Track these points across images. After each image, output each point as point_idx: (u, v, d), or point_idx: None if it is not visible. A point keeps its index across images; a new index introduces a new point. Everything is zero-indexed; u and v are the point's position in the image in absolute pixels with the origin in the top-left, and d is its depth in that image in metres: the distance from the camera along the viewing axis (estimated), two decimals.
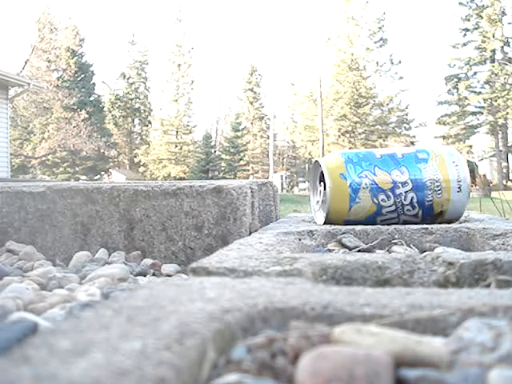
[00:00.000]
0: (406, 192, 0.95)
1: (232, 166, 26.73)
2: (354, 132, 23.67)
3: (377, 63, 24.05)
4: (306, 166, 28.97)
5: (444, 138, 24.84)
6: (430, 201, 0.96)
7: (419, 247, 0.81)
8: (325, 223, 0.97)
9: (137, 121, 29.25)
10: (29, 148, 23.32)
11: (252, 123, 28.67)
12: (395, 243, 0.82)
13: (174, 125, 26.89)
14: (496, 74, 22.39)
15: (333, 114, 23.27)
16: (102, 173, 25.66)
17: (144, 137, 29.13)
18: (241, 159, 27.12)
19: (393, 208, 0.95)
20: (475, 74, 23.83)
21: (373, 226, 0.86)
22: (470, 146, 25.16)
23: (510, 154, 23.48)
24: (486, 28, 22.86)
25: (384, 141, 24.75)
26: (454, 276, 0.46)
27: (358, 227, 0.86)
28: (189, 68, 27.21)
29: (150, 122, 28.93)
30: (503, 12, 22.43)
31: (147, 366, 0.19)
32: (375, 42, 23.90)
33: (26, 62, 22.66)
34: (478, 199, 2.06)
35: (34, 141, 23.38)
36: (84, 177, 23.84)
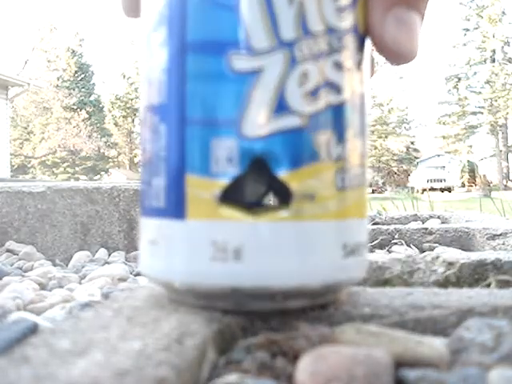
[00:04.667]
0: None
1: None
2: None
3: (377, 63, 24.06)
4: None
5: (444, 137, 24.87)
6: None
7: (419, 247, 0.81)
8: None
9: (137, 121, 29.27)
10: (29, 148, 23.34)
11: None
12: (395, 243, 0.82)
13: None
14: (496, 74, 22.41)
15: None
16: (102, 173, 25.67)
17: None
18: None
19: None
20: (475, 73, 23.85)
21: (373, 226, 0.86)
22: (470, 146, 25.18)
23: (510, 154, 23.49)
24: (486, 28, 22.88)
25: (384, 141, 24.78)
26: (454, 276, 0.46)
27: None
28: None
29: None
30: (503, 12, 22.45)
31: (147, 366, 0.19)
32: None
33: (26, 62, 22.67)
34: (478, 199, 2.06)
35: (33, 141, 23.39)
36: (84, 177, 23.87)
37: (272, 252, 0.25)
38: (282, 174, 0.26)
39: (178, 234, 0.27)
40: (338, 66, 0.27)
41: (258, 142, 0.25)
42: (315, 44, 0.26)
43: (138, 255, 0.31)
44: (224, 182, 0.25)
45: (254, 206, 0.26)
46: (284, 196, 0.26)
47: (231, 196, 0.26)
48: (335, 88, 0.27)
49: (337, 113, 0.27)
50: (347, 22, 0.27)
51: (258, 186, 0.26)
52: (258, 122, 0.25)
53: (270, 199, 0.27)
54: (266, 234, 0.25)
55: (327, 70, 0.27)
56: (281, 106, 0.25)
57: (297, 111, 0.26)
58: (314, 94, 0.26)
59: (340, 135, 0.27)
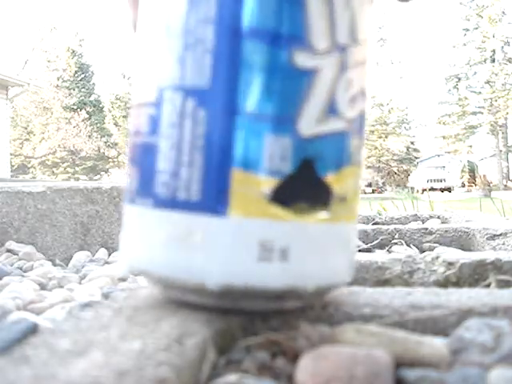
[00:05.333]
0: None
1: None
2: None
3: (377, 63, 24.09)
4: None
5: (444, 137, 24.88)
6: None
7: (419, 247, 0.81)
8: None
9: None
10: (29, 148, 23.34)
11: None
12: (395, 243, 0.82)
13: None
14: (496, 74, 22.41)
15: None
16: (102, 173, 25.65)
17: None
18: None
19: None
20: (475, 73, 23.85)
21: (373, 226, 0.86)
22: (470, 146, 25.18)
23: (510, 154, 23.49)
24: (486, 28, 22.87)
25: (384, 141, 24.78)
26: (454, 276, 0.46)
27: (358, 227, 0.86)
28: None
29: None
30: (503, 12, 22.45)
31: (147, 366, 0.19)
32: (375, 42, 23.95)
33: (26, 62, 22.68)
34: (478, 199, 2.06)
35: (33, 141, 23.39)
36: (84, 177, 23.85)
37: (315, 252, 0.26)
38: (326, 175, 0.26)
39: (217, 231, 0.25)
40: (367, 75, 0.28)
41: (310, 142, 0.25)
42: (358, 52, 0.27)
43: (132, 248, 0.28)
44: (275, 180, 0.25)
45: (300, 207, 0.26)
46: (326, 198, 0.26)
47: (280, 195, 0.25)
48: (364, 96, 0.28)
49: (363, 120, 0.28)
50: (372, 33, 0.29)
51: (306, 186, 0.26)
52: (313, 121, 0.25)
53: (315, 201, 0.27)
54: (311, 235, 0.26)
55: (363, 78, 0.28)
56: (332, 109, 0.26)
57: (343, 115, 0.26)
58: (353, 100, 0.27)
59: (362, 141, 0.28)
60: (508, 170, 22.97)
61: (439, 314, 0.28)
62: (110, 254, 0.93)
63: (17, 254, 0.89)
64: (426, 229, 0.84)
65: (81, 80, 25.61)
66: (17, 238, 0.96)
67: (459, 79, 23.61)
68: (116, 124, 27.79)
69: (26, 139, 23.70)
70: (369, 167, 25.22)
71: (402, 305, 0.29)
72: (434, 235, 0.83)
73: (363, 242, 0.83)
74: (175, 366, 0.19)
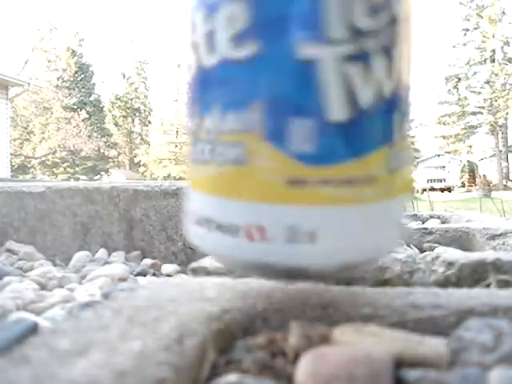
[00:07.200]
0: None
1: None
2: None
3: None
4: None
5: (444, 137, 24.89)
6: None
7: (419, 247, 0.80)
8: None
9: (137, 121, 29.23)
10: (29, 148, 23.35)
11: None
12: None
13: (174, 125, 26.89)
14: (496, 74, 22.41)
15: None
16: (102, 173, 25.63)
17: (144, 137, 29.12)
18: None
19: None
20: (475, 73, 23.85)
21: None
22: (470, 146, 25.18)
23: (510, 154, 23.47)
24: (486, 28, 22.87)
25: None
26: (454, 276, 0.46)
27: None
28: None
29: (150, 122, 28.92)
30: (503, 12, 22.45)
31: (147, 366, 0.19)
32: None
33: (26, 62, 22.69)
34: (478, 199, 2.06)
35: (33, 141, 23.39)
36: (84, 177, 23.84)
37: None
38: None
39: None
40: None
41: None
42: None
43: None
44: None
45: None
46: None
47: None
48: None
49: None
50: None
51: None
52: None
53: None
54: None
55: None
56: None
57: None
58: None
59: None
60: (508, 170, 22.96)
61: (439, 314, 0.28)
62: (109, 254, 0.93)
63: (17, 254, 0.89)
64: (426, 229, 0.84)
65: (81, 80, 25.61)
66: (17, 237, 0.96)
67: (459, 79, 23.61)
68: (116, 124, 27.77)
69: (26, 139, 23.69)
70: None
71: (402, 305, 0.29)
72: (433, 235, 0.83)
73: None
74: (175, 366, 0.19)
